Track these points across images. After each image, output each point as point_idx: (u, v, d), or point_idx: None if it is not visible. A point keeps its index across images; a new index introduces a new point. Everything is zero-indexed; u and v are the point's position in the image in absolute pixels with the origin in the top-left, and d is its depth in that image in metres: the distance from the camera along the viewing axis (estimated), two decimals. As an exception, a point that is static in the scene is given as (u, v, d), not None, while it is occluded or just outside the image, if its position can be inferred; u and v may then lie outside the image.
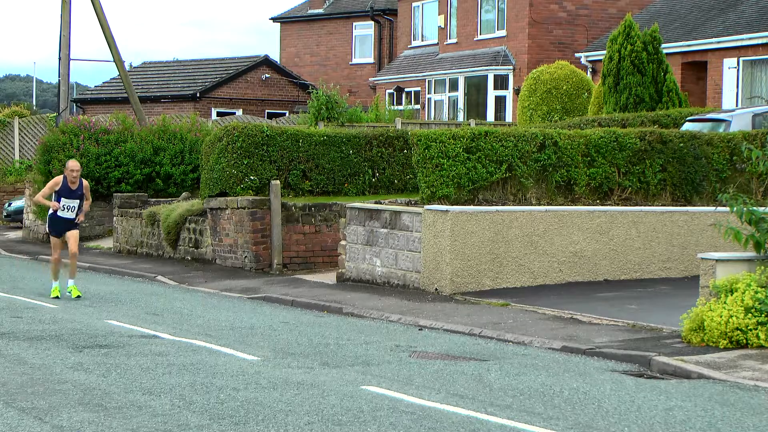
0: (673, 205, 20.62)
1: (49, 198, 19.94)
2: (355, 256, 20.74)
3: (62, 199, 19.63)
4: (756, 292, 13.55)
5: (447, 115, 44.77)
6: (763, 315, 13.34)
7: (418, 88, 47.25)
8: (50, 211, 19.96)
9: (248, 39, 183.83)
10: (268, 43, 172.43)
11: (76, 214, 19.80)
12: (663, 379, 12.16)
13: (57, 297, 19.46)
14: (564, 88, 34.99)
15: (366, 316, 17.30)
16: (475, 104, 44.18)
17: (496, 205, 19.38)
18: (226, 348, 13.76)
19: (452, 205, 19.16)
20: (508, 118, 41.94)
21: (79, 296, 19.39)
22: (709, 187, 20.84)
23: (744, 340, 13.35)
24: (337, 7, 55.70)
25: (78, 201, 19.76)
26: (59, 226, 19.86)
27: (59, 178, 19.90)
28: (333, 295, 19.34)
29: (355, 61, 54.79)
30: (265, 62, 52.57)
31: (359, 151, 25.42)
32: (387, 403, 10.37)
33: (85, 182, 19.96)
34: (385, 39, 53.77)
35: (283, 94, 52.41)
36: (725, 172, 20.93)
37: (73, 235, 19.83)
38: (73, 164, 19.93)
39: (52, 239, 20.14)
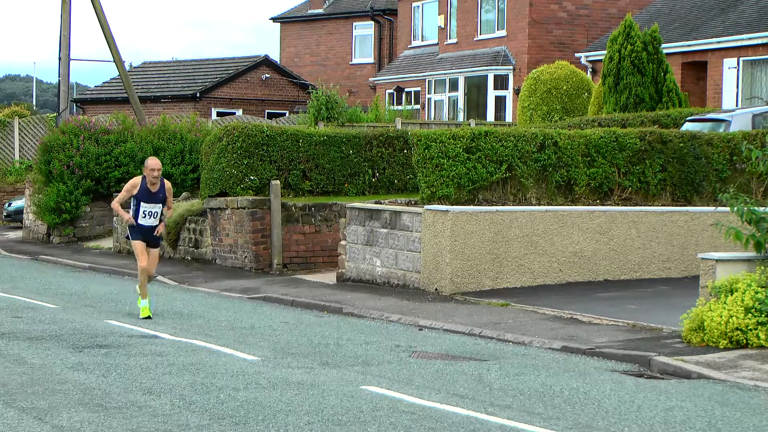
0: (673, 205, 20.62)
1: (126, 204, 17.14)
2: (355, 256, 20.74)
3: (142, 204, 16.80)
4: (756, 293, 13.55)
5: (447, 115, 44.78)
6: (763, 315, 13.34)
7: (418, 88, 47.25)
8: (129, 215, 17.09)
9: (248, 39, 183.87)
10: (268, 43, 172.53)
11: (159, 221, 17.07)
12: (663, 379, 12.16)
13: (149, 317, 16.81)
14: (564, 88, 35.00)
15: (366, 316, 17.30)
16: (475, 104, 44.18)
17: (496, 205, 19.38)
18: (226, 348, 13.76)
19: (452, 205, 19.16)
20: (508, 118, 41.95)
21: (149, 317, 16.83)
22: (709, 187, 20.84)
23: (744, 340, 13.35)
24: (337, 7, 55.70)
25: (160, 205, 16.94)
26: (141, 230, 17.04)
27: (137, 180, 16.96)
28: (333, 295, 19.34)
29: (355, 61, 54.80)
30: (265, 62, 52.57)
31: (359, 151, 25.42)
32: (387, 403, 10.37)
33: (167, 183, 17.11)
34: (385, 39, 53.77)
35: (283, 94, 52.41)
36: (725, 172, 20.93)
37: (152, 255, 17.26)
38: (153, 162, 16.89)
39: (136, 245, 17.17)
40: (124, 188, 17.06)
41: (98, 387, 10.99)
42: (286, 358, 13.09)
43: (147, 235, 17.02)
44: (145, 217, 16.84)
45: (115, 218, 30.09)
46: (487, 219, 18.83)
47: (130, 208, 17.18)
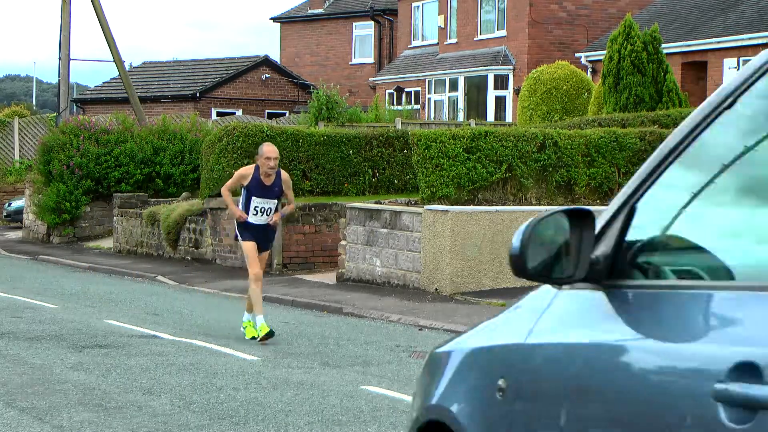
0: (673, 205, 20.61)
1: (236, 192, 14.68)
2: (355, 256, 20.74)
3: (253, 199, 13.99)
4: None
5: (447, 115, 44.78)
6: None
7: (418, 88, 47.26)
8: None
9: (248, 39, 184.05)
10: (268, 43, 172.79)
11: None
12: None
13: (254, 338, 14.19)
14: (564, 88, 34.99)
15: (366, 316, 17.30)
16: (475, 104, 44.19)
17: (496, 205, 19.38)
18: (226, 348, 13.75)
19: (452, 205, 19.16)
20: (508, 118, 41.95)
21: (270, 333, 14.05)
22: (709, 187, 20.84)
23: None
24: (337, 7, 55.71)
25: (275, 201, 14.13)
26: (253, 229, 14.17)
27: (249, 169, 14.14)
28: (333, 295, 19.34)
29: (355, 61, 54.80)
30: (265, 62, 52.58)
31: (359, 151, 25.42)
32: (387, 403, 10.36)
33: (284, 174, 14.20)
34: (385, 39, 53.78)
35: (283, 94, 52.41)
36: (725, 172, 20.93)
37: (261, 258, 14.38)
38: (269, 149, 13.98)
39: (247, 246, 14.24)
40: (235, 176, 14.35)
41: (98, 387, 10.99)
42: (286, 358, 13.09)
43: (259, 237, 14.20)
44: (256, 214, 14.01)
45: (115, 218, 30.06)
46: (487, 219, 18.83)
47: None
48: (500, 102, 43.23)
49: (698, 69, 34.39)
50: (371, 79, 51.51)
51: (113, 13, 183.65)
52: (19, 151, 43.55)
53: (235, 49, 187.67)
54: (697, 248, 3.35)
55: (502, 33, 43.01)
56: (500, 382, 3.76)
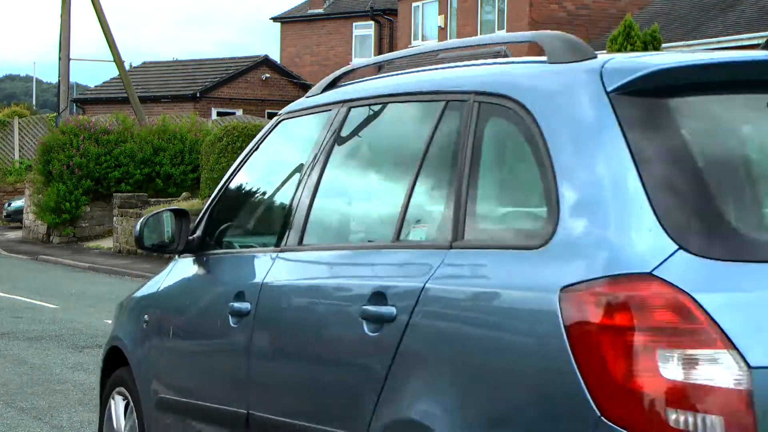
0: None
1: None
2: (355, 256, 20.74)
3: None
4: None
5: (447, 115, 44.76)
6: None
7: (418, 88, 47.25)
8: None
9: (248, 39, 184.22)
10: (268, 43, 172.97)
11: None
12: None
13: None
14: (564, 88, 35.02)
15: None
16: (475, 104, 44.18)
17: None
18: (226, 348, 13.73)
19: (452, 205, 19.18)
20: (508, 118, 41.93)
21: None
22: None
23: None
24: (337, 7, 55.73)
25: None
26: None
27: None
28: (333, 295, 19.30)
29: (355, 61, 54.83)
30: (265, 62, 52.58)
31: (359, 151, 25.45)
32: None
33: None
34: (385, 39, 53.82)
35: (283, 94, 52.43)
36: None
37: None
38: None
39: None
40: None
41: (98, 387, 10.99)
42: (286, 358, 13.06)
43: None
44: None
45: (115, 218, 30.06)
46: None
47: None
48: (500, 102, 43.22)
49: (698, 69, 34.36)
50: (371, 79, 51.52)
51: (113, 13, 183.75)
52: (19, 151, 43.57)
53: (235, 49, 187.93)
54: (250, 231, 5.58)
55: (503, 33, 43.05)
56: (145, 317, 5.90)
